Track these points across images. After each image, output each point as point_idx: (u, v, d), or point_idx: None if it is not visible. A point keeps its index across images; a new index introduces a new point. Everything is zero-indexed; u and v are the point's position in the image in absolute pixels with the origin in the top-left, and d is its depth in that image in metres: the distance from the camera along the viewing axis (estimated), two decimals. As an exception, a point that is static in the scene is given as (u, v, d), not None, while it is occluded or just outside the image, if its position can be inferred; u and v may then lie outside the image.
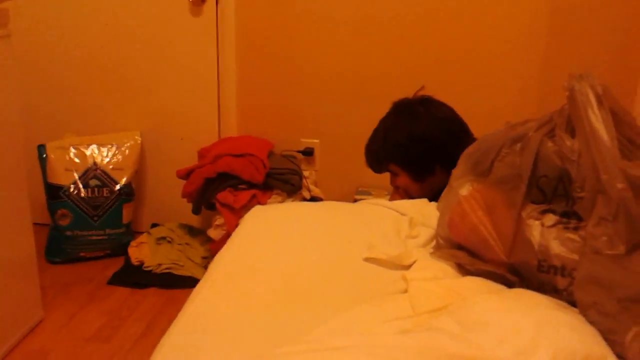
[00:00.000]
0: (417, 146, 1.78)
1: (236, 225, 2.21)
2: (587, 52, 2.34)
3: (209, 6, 2.49)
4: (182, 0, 2.47)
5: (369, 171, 2.54)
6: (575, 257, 1.00)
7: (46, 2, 2.55)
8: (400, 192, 1.89)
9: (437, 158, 1.76)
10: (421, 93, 1.90)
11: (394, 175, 1.89)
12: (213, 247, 2.40)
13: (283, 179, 2.39)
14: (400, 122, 1.83)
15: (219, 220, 2.37)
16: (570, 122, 1.02)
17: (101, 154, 2.52)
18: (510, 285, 1.05)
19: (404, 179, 1.85)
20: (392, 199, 1.93)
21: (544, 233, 1.04)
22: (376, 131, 1.91)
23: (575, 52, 2.35)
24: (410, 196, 1.85)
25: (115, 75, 2.62)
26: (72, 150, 2.51)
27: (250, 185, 2.34)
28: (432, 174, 1.79)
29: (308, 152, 2.66)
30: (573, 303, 0.98)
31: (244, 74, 2.60)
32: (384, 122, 1.89)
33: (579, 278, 0.97)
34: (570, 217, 1.03)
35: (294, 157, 2.61)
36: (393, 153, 1.84)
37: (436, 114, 1.81)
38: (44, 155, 2.48)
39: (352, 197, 2.53)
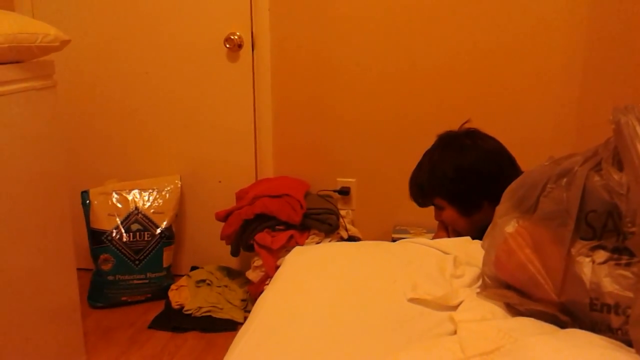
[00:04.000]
0: (464, 179, 1.74)
1: (275, 267, 2.23)
2: (623, 84, 2.32)
3: (245, 52, 2.55)
4: (219, 47, 2.55)
5: (407, 209, 2.52)
6: (629, 294, 0.97)
7: (87, 52, 2.66)
8: (448, 229, 1.85)
9: (485, 192, 1.71)
10: (467, 126, 1.87)
11: (439, 209, 1.85)
12: (252, 289, 2.40)
13: (320, 219, 2.39)
14: (447, 155, 1.79)
15: (257, 262, 2.37)
16: (617, 155, 1.00)
17: (142, 199, 2.57)
18: (562, 325, 1.02)
19: (450, 214, 1.80)
20: (436, 236, 1.89)
21: (595, 270, 1.01)
22: (421, 164, 1.87)
23: (611, 84, 2.33)
24: (456, 231, 1.81)
25: (155, 122, 2.70)
26: (115, 195, 2.56)
27: (288, 225, 2.35)
28: (479, 209, 1.75)
29: (344, 192, 2.66)
30: (628, 342, 0.95)
31: (280, 116, 2.64)
32: (429, 154, 1.85)
33: (634, 316, 0.93)
34: (622, 253, 1.00)
35: (331, 197, 2.61)
36: (439, 186, 1.79)
37: (484, 147, 1.77)
38: (87, 201, 2.54)
39: (389, 235, 2.52)
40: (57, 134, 1.89)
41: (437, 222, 1.96)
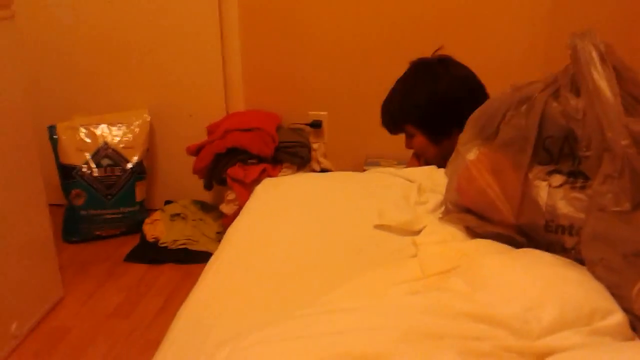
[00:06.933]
0: (436, 107, 1.74)
1: (248, 200, 2.25)
2: (593, 8, 2.32)
3: (212, -19, 2.48)
4: (185, -25, 2.47)
5: (378, 142, 2.54)
6: (583, 216, 1.01)
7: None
8: (419, 159, 1.88)
9: (456, 119, 1.71)
10: (439, 53, 1.86)
11: (409, 136, 1.86)
12: (226, 222, 2.43)
13: (292, 152, 2.41)
14: (419, 82, 1.79)
15: (230, 195, 2.39)
16: (574, 81, 1.02)
17: (111, 133, 2.55)
18: (518, 246, 1.07)
19: (420, 141, 1.82)
20: (409, 165, 1.91)
21: (551, 193, 1.05)
22: (394, 91, 1.86)
23: (580, 8, 2.34)
24: (425, 159, 1.83)
25: (121, 53, 2.64)
26: (83, 130, 2.53)
27: (260, 159, 2.36)
28: (449, 136, 1.76)
29: (316, 125, 2.67)
30: (581, 261, 1.00)
31: (249, 47, 2.60)
32: (402, 82, 1.85)
33: (585, 235, 0.98)
34: (577, 176, 1.04)
35: (303, 130, 2.62)
36: (411, 113, 1.79)
37: (456, 74, 1.77)
38: (55, 136, 2.51)
39: (361, 167, 2.55)
40: (19, 66, 1.84)
41: (408, 153, 1.98)
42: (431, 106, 1.76)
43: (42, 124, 2.44)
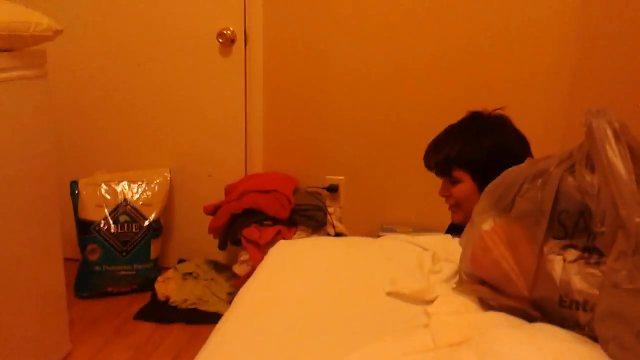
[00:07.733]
0: (500, 156, 1.72)
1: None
2: (611, 88, 2.35)
3: (238, 47, 2.57)
4: (212, 42, 2.57)
5: (394, 208, 2.55)
6: (597, 292, 1.00)
7: (80, 43, 2.67)
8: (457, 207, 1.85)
9: None
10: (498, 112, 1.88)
11: (454, 182, 1.82)
12: (238, 283, 2.42)
13: (308, 216, 2.42)
14: (489, 129, 1.80)
15: (244, 256, 2.39)
16: (589, 158, 1.03)
17: (132, 191, 2.59)
18: (532, 320, 1.05)
19: (467, 188, 1.79)
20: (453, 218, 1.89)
21: (565, 268, 1.04)
22: (452, 133, 1.85)
23: (598, 88, 2.37)
24: (464, 210, 1.80)
25: (146, 114, 2.71)
26: (104, 186, 2.58)
27: (276, 221, 2.37)
28: None
29: (333, 189, 2.69)
30: (595, 338, 0.98)
31: (271, 112, 2.66)
32: (464, 126, 1.85)
33: (598, 312, 0.97)
34: (592, 252, 1.03)
35: (319, 194, 2.64)
36: (472, 159, 1.77)
37: (519, 133, 1.80)
38: (76, 192, 2.55)
39: (376, 234, 2.54)
40: (48, 123, 1.90)
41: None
42: (495, 154, 1.74)
43: (64, 179, 2.49)
